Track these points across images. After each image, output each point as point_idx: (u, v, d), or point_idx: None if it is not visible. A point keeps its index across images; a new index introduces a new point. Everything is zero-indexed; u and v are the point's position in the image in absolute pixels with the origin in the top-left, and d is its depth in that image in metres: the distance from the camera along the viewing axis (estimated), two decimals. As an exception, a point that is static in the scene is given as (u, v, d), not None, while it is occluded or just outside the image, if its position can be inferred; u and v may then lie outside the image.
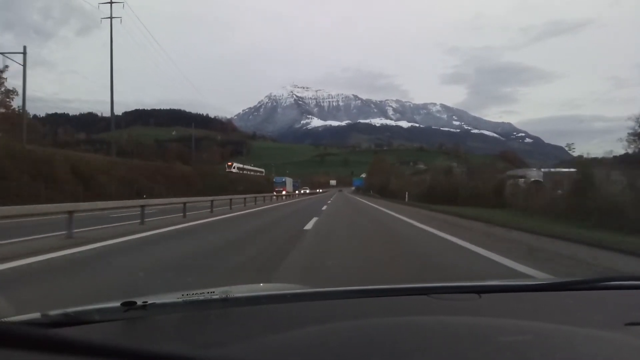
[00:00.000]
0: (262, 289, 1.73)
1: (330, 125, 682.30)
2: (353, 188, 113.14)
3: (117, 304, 1.07)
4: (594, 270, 5.30)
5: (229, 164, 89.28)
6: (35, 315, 1.07)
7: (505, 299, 1.39)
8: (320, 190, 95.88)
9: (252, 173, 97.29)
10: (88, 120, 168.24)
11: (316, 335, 0.91)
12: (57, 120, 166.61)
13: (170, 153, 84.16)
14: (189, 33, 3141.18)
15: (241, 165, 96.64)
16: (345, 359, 0.79)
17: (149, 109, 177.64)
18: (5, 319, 1.09)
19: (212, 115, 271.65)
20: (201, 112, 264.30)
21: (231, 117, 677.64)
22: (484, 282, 1.70)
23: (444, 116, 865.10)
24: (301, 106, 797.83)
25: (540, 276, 4.51)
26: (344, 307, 1.26)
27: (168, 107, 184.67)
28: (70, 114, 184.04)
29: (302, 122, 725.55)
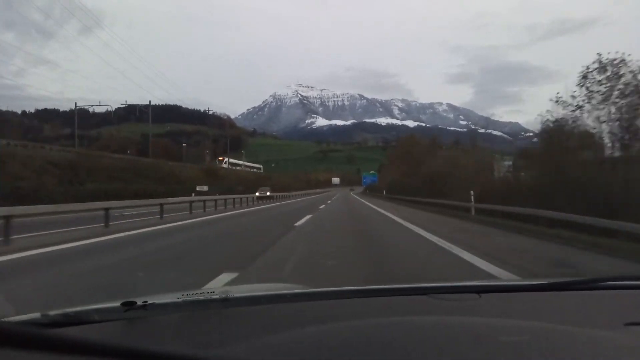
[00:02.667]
0: (262, 288, 1.72)
1: (336, 124, 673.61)
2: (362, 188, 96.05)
3: (117, 304, 1.07)
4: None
5: (220, 158, 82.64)
6: (35, 315, 1.07)
7: (505, 299, 1.38)
8: (268, 196, 40.16)
9: (246, 169, 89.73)
10: (79, 116, 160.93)
11: (316, 335, 0.91)
12: (47, 116, 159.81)
13: (157, 148, 77.48)
14: (194, 34, 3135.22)
15: (234, 161, 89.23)
16: (345, 359, 0.79)
17: (142, 104, 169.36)
18: (5, 319, 1.08)
19: (210, 111, 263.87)
20: (199, 109, 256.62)
21: (235, 117, 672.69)
22: (484, 282, 1.67)
23: (451, 115, 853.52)
24: (306, 105, 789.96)
25: None
26: (344, 307, 1.26)
27: (163, 103, 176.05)
28: (60, 110, 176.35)
29: (306, 121, 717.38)
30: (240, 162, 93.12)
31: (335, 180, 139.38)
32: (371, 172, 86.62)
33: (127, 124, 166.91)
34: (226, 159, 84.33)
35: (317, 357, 0.80)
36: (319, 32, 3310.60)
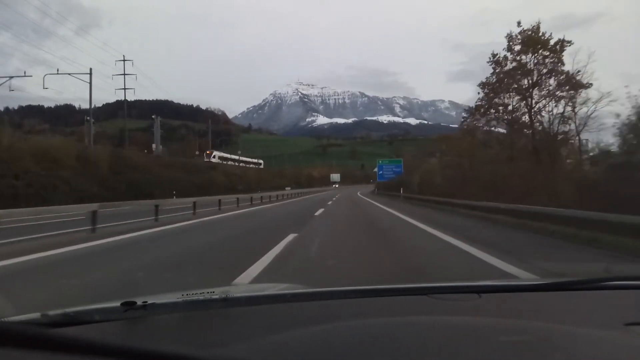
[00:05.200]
0: (262, 288, 1.71)
1: (337, 122, 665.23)
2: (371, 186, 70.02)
3: (117, 304, 1.06)
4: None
5: (208, 152, 74.02)
6: (35, 315, 1.06)
7: (505, 299, 1.38)
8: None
9: (239, 164, 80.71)
10: (64, 113, 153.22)
11: (316, 335, 0.90)
12: (31, 112, 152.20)
13: (133, 142, 70.21)
14: (192, 33, 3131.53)
15: (227, 155, 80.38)
16: (346, 359, 0.79)
17: (131, 99, 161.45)
18: (5, 319, 1.09)
19: (203, 107, 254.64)
20: (190, 104, 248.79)
21: (235, 115, 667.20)
22: (484, 282, 1.68)
23: (453, 113, 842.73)
24: (306, 104, 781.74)
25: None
26: (344, 307, 1.25)
27: (153, 98, 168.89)
28: (45, 106, 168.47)
29: (307, 119, 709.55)
30: (236, 157, 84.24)
31: (335, 176, 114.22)
32: (392, 159, 53.19)
33: (114, 120, 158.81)
34: (215, 153, 75.72)
35: (317, 357, 0.80)
36: (319, 30, 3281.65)
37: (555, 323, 0.99)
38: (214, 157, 73.06)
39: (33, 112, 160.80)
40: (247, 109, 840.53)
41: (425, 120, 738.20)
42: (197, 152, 75.41)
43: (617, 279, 1.45)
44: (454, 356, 0.78)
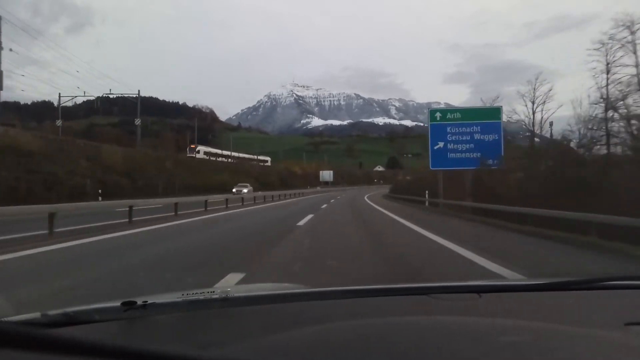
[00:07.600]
0: (261, 288, 1.71)
1: (332, 124, 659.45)
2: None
3: (117, 303, 1.07)
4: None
5: (192, 146, 67.17)
6: (35, 315, 1.07)
7: (505, 299, 1.38)
8: None
9: (232, 161, 73.36)
10: (42, 109, 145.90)
11: (316, 335, 0.91)
12: (7, 108, 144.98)
13: (105, 137, 65.04)
14: (188, 33, 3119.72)
15: (215, 151, 73.21)
16: (345, 359, 0.79)
17: (113, 96, 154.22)
18: (5, 318, 1.09)
19: (191, 104, 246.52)
20: (177, 101, 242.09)
21: (230, 117, 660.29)
22: (484, 282, 1.68)
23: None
24: (301, 105, 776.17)
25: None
26: (344, 307, 1.25)
27: (136, 95, 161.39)
28: (21, 102, 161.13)
29: (302, 121, 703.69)
30: (227, 153, 76.77)
31: (326, 174, 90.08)
32: (470, 107, 20.96)
33: (94, 116, 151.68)
34: (199, 148, 68.88)
35: (317, 357, 0.80)
36: (314, 31, 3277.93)
37: (555, 323, 0.98)
38: (198, 152, 66.76)
39: (10, 108, 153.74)
40: (242, 110, 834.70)
41: (421, 122, 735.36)
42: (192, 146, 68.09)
43: (617, 279, 1.44)
44: (454, 356, 0.78)
